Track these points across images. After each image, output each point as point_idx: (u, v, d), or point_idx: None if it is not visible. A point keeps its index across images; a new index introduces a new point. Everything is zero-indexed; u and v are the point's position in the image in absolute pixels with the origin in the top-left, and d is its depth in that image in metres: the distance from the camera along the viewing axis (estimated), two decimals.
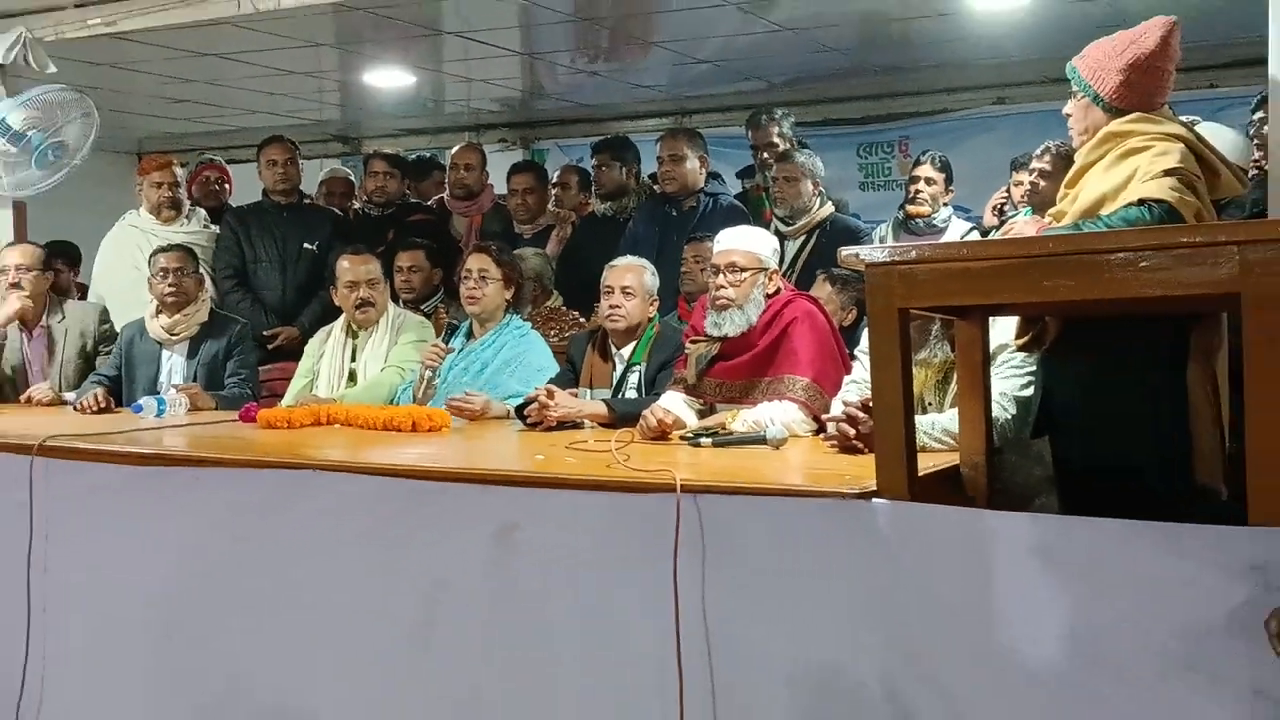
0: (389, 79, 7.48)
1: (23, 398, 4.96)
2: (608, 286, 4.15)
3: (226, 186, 6.50)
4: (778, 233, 4.80)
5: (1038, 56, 6.34)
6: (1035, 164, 4.22)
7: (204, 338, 4.85)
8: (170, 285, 4.83)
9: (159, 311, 4.85)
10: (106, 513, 3.54)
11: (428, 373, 4.35)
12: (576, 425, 3.75)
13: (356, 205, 6.55)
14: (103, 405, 4.57)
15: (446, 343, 4.37)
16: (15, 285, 5.05)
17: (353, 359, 4.66)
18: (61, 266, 6.09)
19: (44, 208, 6.11)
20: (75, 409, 4.63)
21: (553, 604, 2.93)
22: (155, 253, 4.99)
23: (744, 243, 3.80)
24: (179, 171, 5.86)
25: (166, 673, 3.48)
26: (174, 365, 4.81)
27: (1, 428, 4.07)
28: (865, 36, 6.52)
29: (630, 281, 4.12)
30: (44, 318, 5.16)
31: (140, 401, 4.49)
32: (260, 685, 3.34)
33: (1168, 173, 2.69)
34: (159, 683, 3.49)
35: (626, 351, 4.13)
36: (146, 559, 3.48)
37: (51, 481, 3.59)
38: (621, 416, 3.73)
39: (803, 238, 4.99)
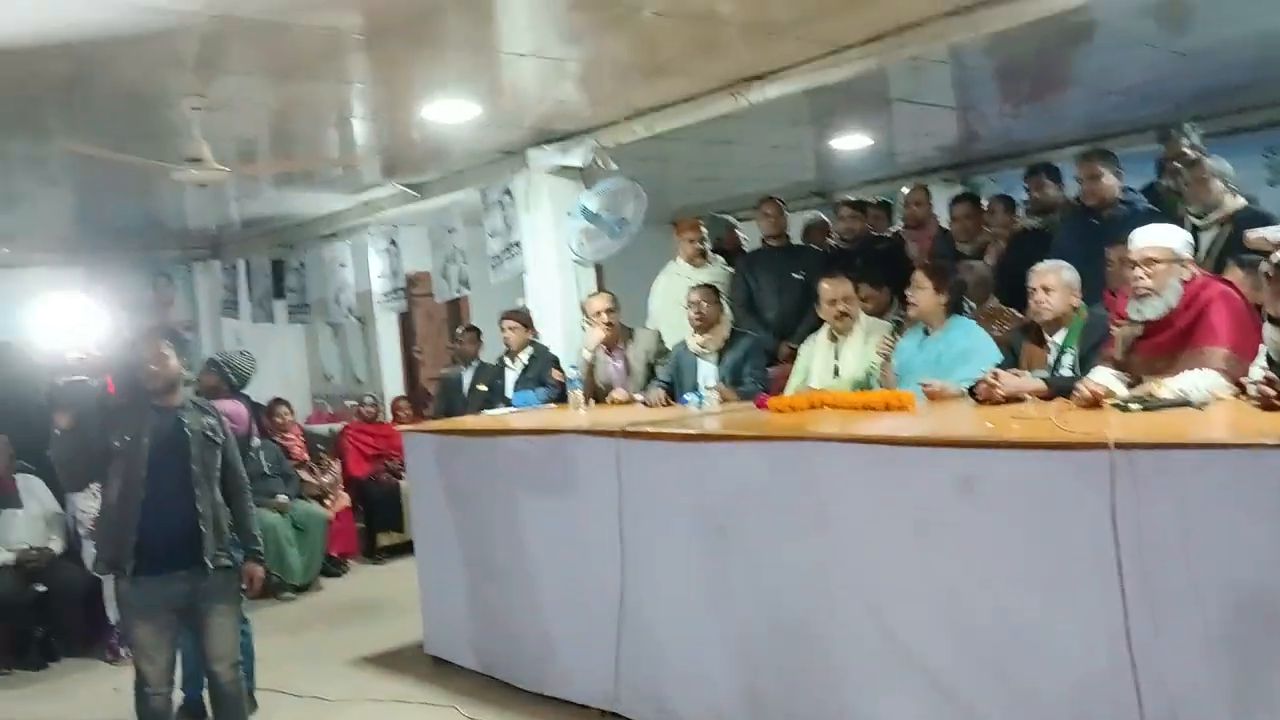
0: (851, 142, 7.50)
1: (608, 399, 5.36)
2: (1033, 286, 3.97)
3: (741, 238, 6.83)
4: (1193, 228, 4.36)
5: None
6: None
7: (727, 349, 5.04)
8: (698, 312, 5.08)
9: (695, 332, 5.12)
10: (667, 473, 3.83)
11: (880, 359, 4.37)
12: (1019, 400, 3.61)
13: (832, 241, 6.62)
14: (664, 401, 4.90)
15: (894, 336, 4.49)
16: (604, 322, 5.52)
17: (836, 358, 4.72)
18: None
19: (611, 265, 6.67)
20: (644, 405, 4.98)
21: (1007, 536, 2.87)
22: (690, 290, 5.25)
23: (1157, 239, 3.50)
24: (703, 230, 6.20)
25: (709, 584, 3.70)
26: (708, 371, 5.02)
27: (598, 419, 4.51)
28: (1263, 54, 5.77)
29: (1050, 281, 3.91)
30: (620, 343, 5.58)
31: (687, 397, 4.79)
32: (782, 600, 3.48)
33: None
34: (705, 592, 3.72)
35: (1058, 338, 3.92)
36: (694, 505, 3.73)
37: (630, 453, 3.93)
38: (1058, 390, 3.56)
39: (1216, 229, 4.49)
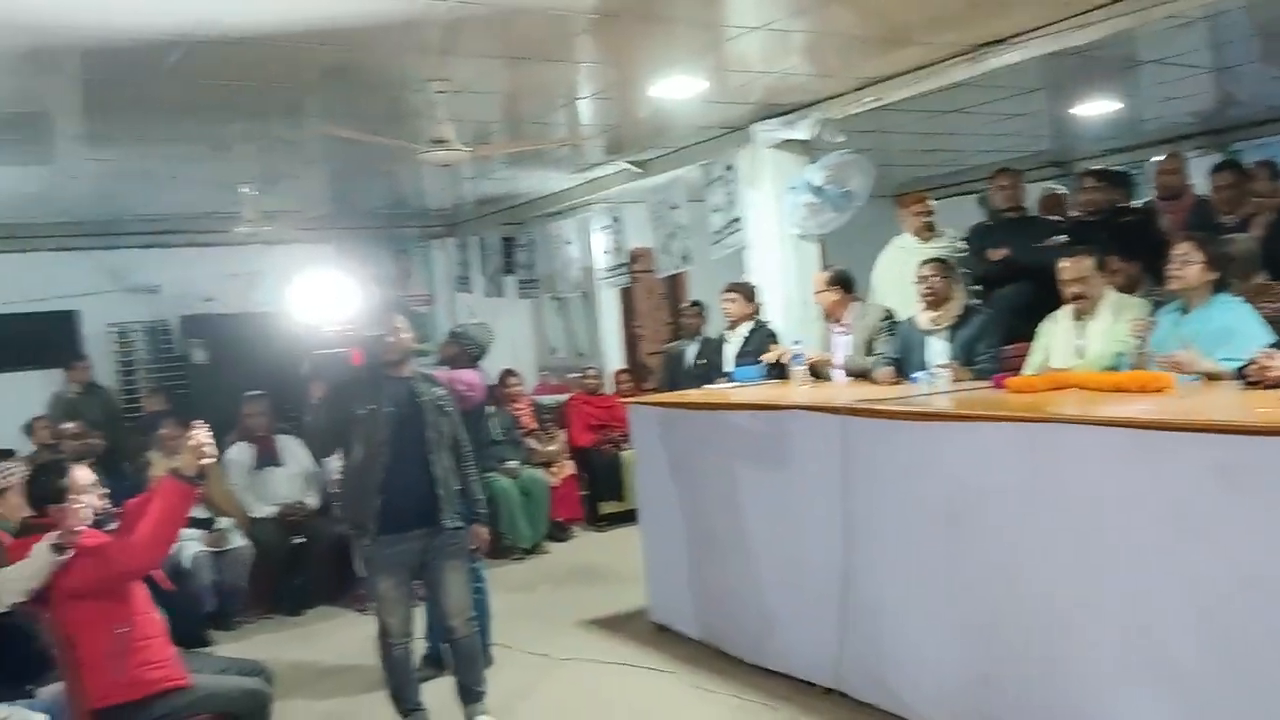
0: (1092, 109, 7.04)
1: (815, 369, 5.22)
2: None
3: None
4: None
5: None
6: None
7: (959, 326, 4.83)
8: (929, 288, 4.91)
9: (926, 308, 4.94)
10: (895, 453, 3.73)
11: (1135, 342, 4.07)
12: None
13: (1074, 213, 6.24)
14: (893, 379, 4.74)
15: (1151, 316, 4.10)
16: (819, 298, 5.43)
17: (1079, 337, 4.44)
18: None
19: (830, 239, 6.54)
20: (873, 382, 4.83)
21: (1276, 532, 2.63)
22: (920, 265, 5.06)
23: None
24: (931, 204, 5.97)
25: (939, 568, 3.59)
26: (938, 348, 4.83)
27: (819, 397, 4.44)
28: None
29: None
30: (845, 317, 5.42)
31: (916, 375, 4.62)
32: (1020, 589, 3.33)
33: None
34: (935, 576, 3.61)
35: None
36: (925, 486, 3.61)
37: (856, 430, 3.86)
38: None
39: None
